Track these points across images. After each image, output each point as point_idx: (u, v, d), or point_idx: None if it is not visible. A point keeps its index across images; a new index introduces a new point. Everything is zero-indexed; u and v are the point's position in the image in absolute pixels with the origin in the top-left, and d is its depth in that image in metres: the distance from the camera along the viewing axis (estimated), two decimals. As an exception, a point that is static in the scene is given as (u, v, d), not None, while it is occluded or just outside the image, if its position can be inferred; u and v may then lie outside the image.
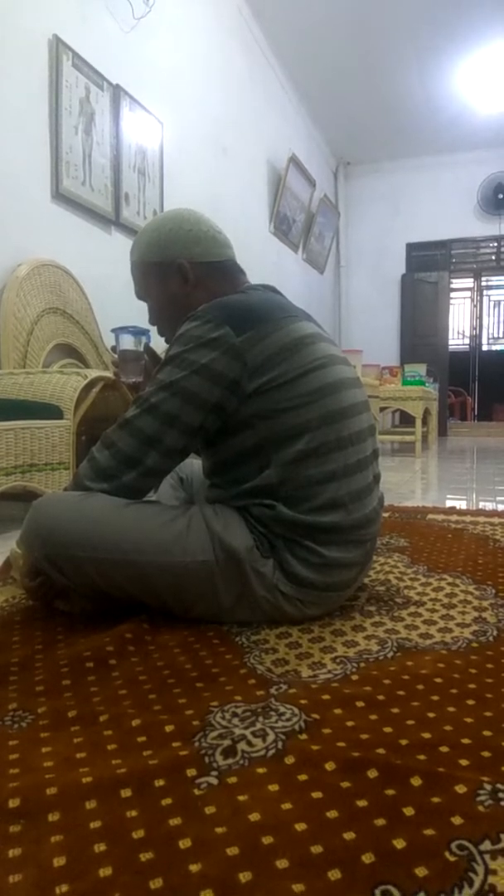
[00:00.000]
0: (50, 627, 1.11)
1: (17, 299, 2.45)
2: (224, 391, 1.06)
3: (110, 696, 0.86)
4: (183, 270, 1.21)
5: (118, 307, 3.03)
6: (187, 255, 1.21)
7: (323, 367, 1.11)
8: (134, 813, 0.61)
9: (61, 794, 0.64)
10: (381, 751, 0.71)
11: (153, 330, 1.33)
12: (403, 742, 0.73)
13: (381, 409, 5.27)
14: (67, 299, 2.80)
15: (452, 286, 8.04)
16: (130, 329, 1.31)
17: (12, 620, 1.15)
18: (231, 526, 1.08)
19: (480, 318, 9.71)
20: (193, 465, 1.47)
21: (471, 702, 0.83)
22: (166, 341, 1.29)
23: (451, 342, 7.99)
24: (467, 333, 9.82)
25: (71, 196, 2.86)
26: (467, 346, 9.66)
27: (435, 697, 0.85)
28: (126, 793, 0.64)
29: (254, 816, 0.60)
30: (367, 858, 0.54)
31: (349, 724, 0.77)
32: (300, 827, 0.58)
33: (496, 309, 10.03)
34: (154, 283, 1.24)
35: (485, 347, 9.86)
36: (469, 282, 9.33)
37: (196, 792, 0.64)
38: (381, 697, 0.84)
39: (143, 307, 1.30)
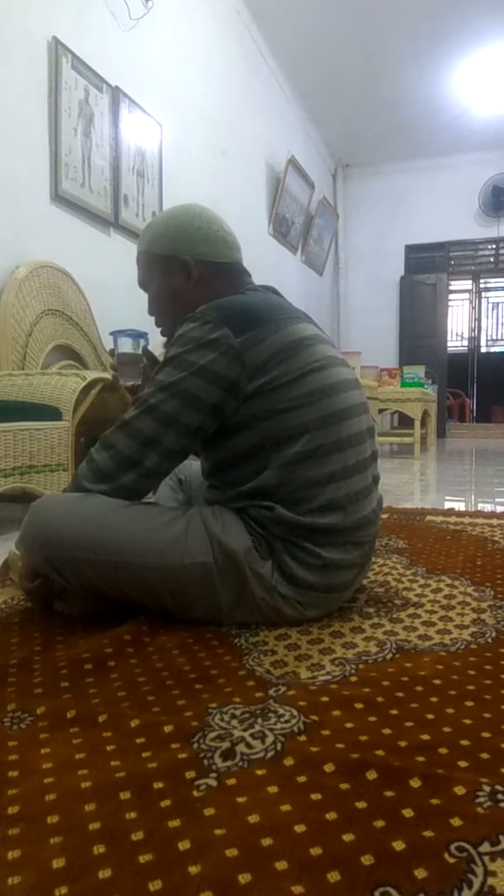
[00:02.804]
0: (49, 629, 1.11)
1: (17, 301, 2.45)
2: (223, 392, 1.06)
3: (109, 697, 0.86)
4: (188, 267, 1.21)
5: (117, 308, 3.04)
6: (194, 253, 1.21)
7: (322, 368, 1.11)
8: (133, 815, 0.61)
9: (60, 796, 0.64)
10: (380, 752, 0.71)
11: (152, 332, 1.33)
12: (402, 744, 0.73)
13: (380, 411, 5.27)
14: (66, 301, 2.80)
15: (451, 288, 8.04)
16: (129, 332, 1.32)
17: (11, 622, 1.15)
18: (230, 527, 1.08)
19: (479, 319, 9.72)
20: (192, 466, 1.47)
21: (469, 703, 0.83)
22: (162, 333, 1.30)
23: (449, 344, 8.00)
24: (466, 335, 9.83)
25: (70, 198, 2.86)
26: (466, 348, 9.67)
27: (434, 699, 0.85)
28: (125, 795, 0.64)
29: (253, 818, 0.60)
30: (367, 860, 0.54)
31: (348, 725, 0.77)
32: (299, 828, 0.58)
33: (494, 311, 10.05)
34: (157, 275, 1.24)
35: (483, 349, 9.87)
36: (468, 284, 9.34)
37: (195, 794, 0.64)
38: (379, 699, 0.84)
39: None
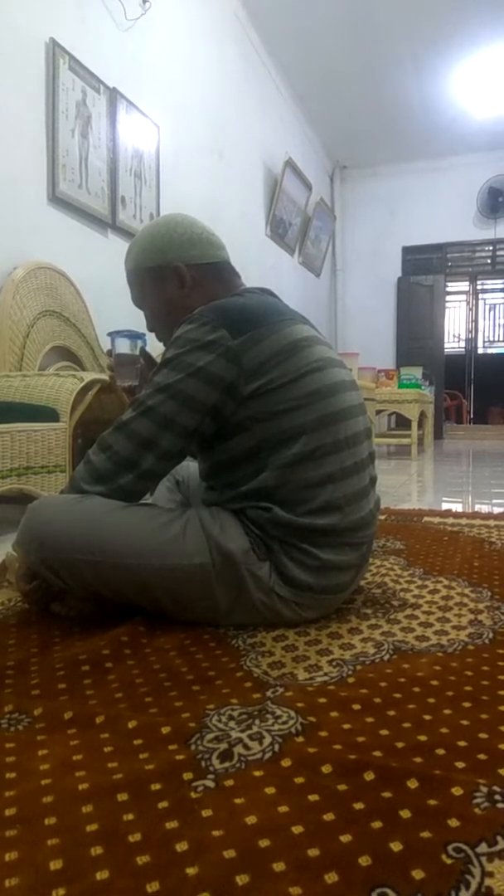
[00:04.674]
0: (46, 630, 1.11)
1: (14, 302, 2.45)
2: (220, 394, 1.06)
3: (106, 698, 0.86)
4: (180, 273, 1.21)
5: (114, 310, 3.03)
6: (183, 258, 1.21)
7: (319, 369, 1.11)
8: (130, 816, 0.61)
9: (58, 798, 0.64)
10: (377, 753, 0.71)
11: (149, 334, 1.33)
12: (400, 745, 0.73)
13: (377, 412, 5.28)
14: (64, 302, 2.80)
15: (448, 289, 8.06)
16: (126, 333, 1.32)
17: (8, 624, 1.15)
18: (227, 529, 1.08)
19: (476, 321, 9.74)
20: (190, 467, 1.47)
21: (467, 704, 0.83)
22: (165, 346, 1.29)
23: (446, 345, 8.02)
24: (463, 336, 9.84)
25: (67, 199, 2.86)
26: (463, 350, 9.69)
27: (431, 700, 0.85)
28: (122, 796, 0.64)
29: (250, 819, 0.60)
30: (364, 861, 0.54)
31: (345, 726, 0.78)
32: (297, 830, 0.58)
33: (491, 312, 10.06)
34: (151, 289, 1.24)
35: (480, 350, 9.89)
36: (465, 285, 9.35)
37: (192, 795, 0.64)
38: (377, 700, 0.85)
39: (139, 311, 1.30)
